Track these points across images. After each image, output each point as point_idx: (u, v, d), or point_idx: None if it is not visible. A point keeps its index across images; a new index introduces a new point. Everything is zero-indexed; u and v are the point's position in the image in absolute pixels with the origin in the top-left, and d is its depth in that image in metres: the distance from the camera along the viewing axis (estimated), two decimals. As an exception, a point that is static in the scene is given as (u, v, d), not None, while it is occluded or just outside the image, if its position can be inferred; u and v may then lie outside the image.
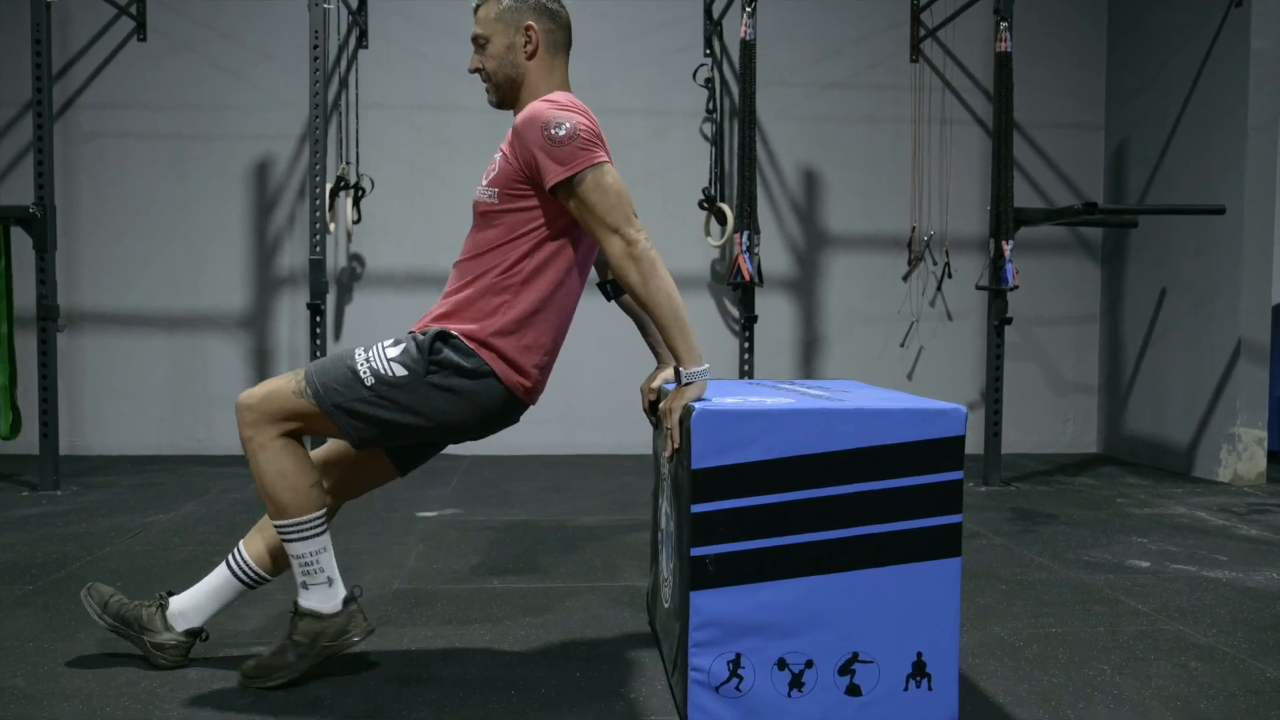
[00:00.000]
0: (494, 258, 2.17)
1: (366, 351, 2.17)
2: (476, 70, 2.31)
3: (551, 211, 2.15)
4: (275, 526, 2.20)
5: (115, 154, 5.77)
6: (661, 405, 2.08)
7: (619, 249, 2.04)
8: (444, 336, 2.16)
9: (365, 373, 2.13)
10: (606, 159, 2.09)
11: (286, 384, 2.16)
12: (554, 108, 2.12)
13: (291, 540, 2.19)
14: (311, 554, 2.20)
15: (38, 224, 4.51)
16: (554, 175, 2.06)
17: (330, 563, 2.24)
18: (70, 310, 5.67)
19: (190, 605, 2.34)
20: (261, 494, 2.18)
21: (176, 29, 5.77)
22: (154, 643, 2.32)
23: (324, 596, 2.23)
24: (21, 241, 4.67)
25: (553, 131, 2.06)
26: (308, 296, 4.84)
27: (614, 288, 2.50)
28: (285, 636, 2.26)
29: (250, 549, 2.33)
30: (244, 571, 2.32)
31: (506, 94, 2.29)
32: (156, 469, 5.29)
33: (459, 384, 2.15)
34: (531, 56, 2.25)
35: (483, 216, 2.20)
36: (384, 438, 2.20)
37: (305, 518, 2.18)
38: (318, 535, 2.20)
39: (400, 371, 2.13)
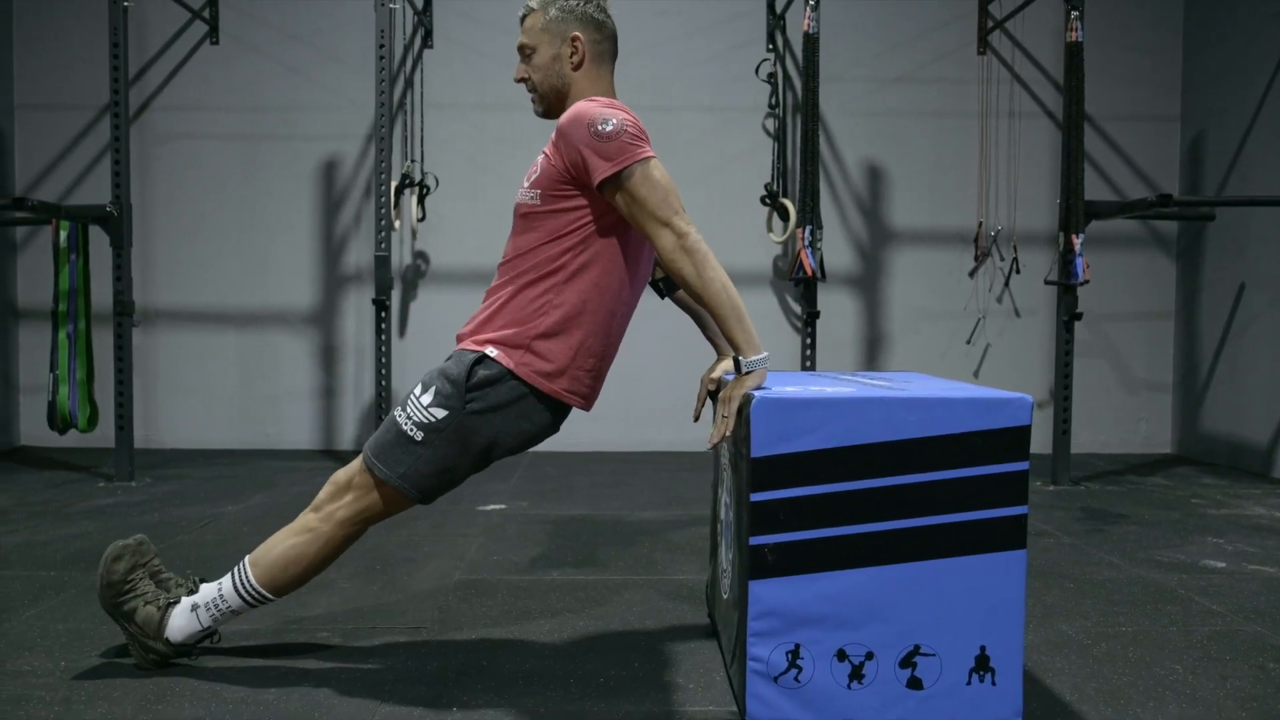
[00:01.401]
0: (535, 257, 2.16)
1: (405, 409, 2.18)
2: (522, 80, 2.31)
3: (597, 210, 2.13)
4: (250, 582, 2.24)
5: (188, 155, 5.92)
6: (721, 394, 2.07)
7: (670, 242, 2.02)
8: (479, 360, 2.15)
9: (410, 429, 2.15)
10: (653, 154, 2.08)
11: (355, 471, 2.22)
12: (598, 106, 2.11)
13: (242, 601, 2.25)
14: (233, 612, 2.27)
15: (114, 223, 4.64)
16: (602, 171, 2.04)
17: (226, 622, 2.32)
18: (145, 307, 5.83)
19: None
20: (272, 554, 2.24)
21: (247, 32, 5.90)
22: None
23: (187, 631, 2.25)
24: (99, 240, 4.81)
25: (599, 128, 2.05)
26: (373, 293, 4.91)
27: (666, 284, 2.49)
28: (132, 619, 2.25)
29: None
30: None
31: (552, 104, 2.29)
32: (226, 462, 5.41)
33: (500, 399, 2.15)
34: (578, 67, 2.25)
35: (524, 219, 2.19)
36: (448, 484, 2.22)
37: (270, 599, 2.26)
38: (256, 607, 2.29)
39: (441, 414, 2.14)
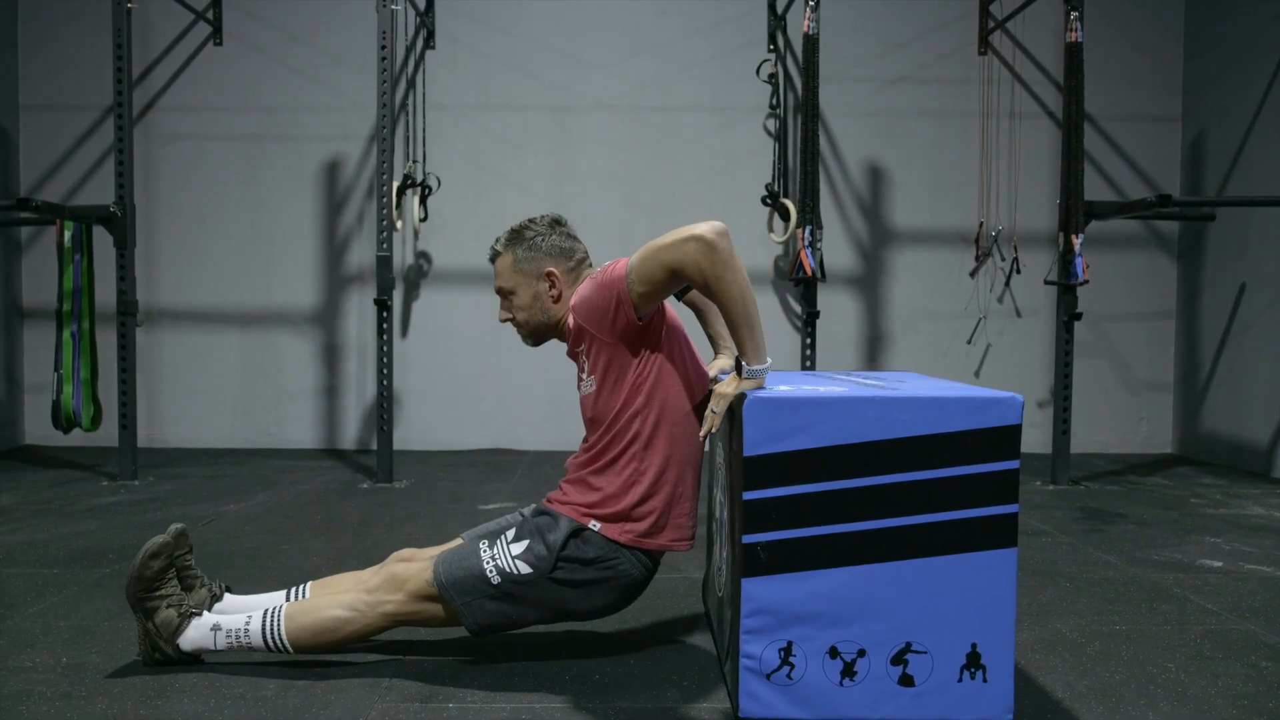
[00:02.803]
0: (611, 432, 2.20)
1: (492, 548, 2.22)
2: (508, 319, 2.37)
3: (647, 356, 2.16)
4: (280, 634, 2.24)
5: (191, 155, 5.95)
6: (716, 388, 2.08)
7: (694, 245, 1.97)
8: (578, 532, 2.19)
9: (491, 571, 2.20)
10: None
11: (418, 574, 2.24)
12: (584, 284, 2.21)
13: (264, 645, 2.25)
14: (249, 649, 2.27)
15: (118, 223, 4.67)
16: (621, 285, 2.06)
17: (237, 654, 2.31)
18: (148, 307, 5.85)
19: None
20: (309, 617, 2.25)
21: (250, 33, 5.92)
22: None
23: (199, 645, 2.26)
24: (103, 240, 4.84)
25: (594, 277, 2.15)
26: (375, 293, 4.92)
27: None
28: (151, 617, 2.26)
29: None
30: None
31: (543, 335, 2.37)
32: (229, 461, 5.44)
33: (587, 577, 2.20)
34: (558, 300, 2.31)
35: (590, 404, 2.24)
36: (505, 629, 2.27)
37: (289, 653, 2.27)
38: (272, 654, 2.28)
39: (525, 570, 2.19)
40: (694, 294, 2.50)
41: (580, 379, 2.27)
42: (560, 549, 2.18)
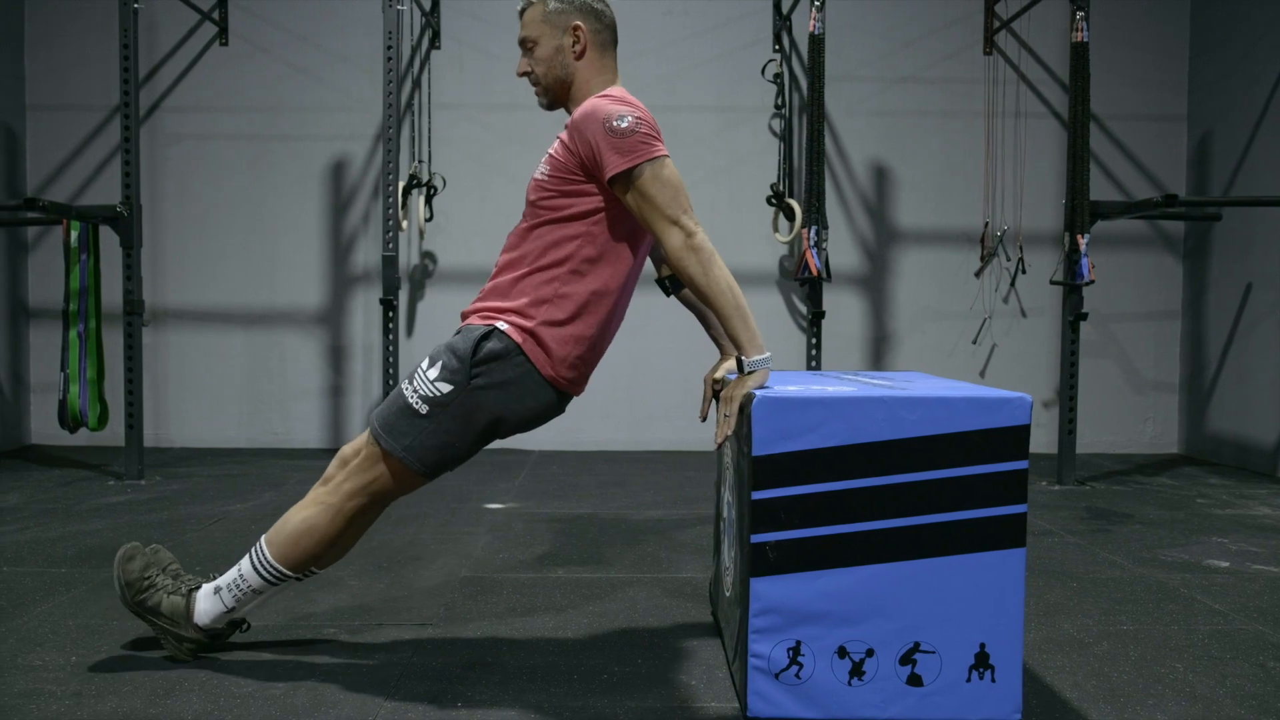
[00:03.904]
0: (545, 239, 2.18)
1: (411, 382, 2.20)
2: (525, 73, 2.32)
3: (607, 204, 2.15)
4: (267, 559, 2.25)
5: (197, 155, 5.95)
6: (723, 393, 2.09)
7: (678, 240, 2.04)
8: (487, 334, 2.16)
9: (416, 401, 2.17)
10: (666, 153, 2.10)
11: (362, 443, 2.26)
12: (612, 102, 2.13)
13: (261, 579, 2.26)
14: (254, 592, 2.27)
15: (124, 223, 4.67)
16: (614, 166, 2.06)
17: (251, 606, 2.31)
18: (154, 307, 5.87)
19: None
20: (285, 530, 2.25)
21: (256, 33, 5.93)
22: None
23: (213, 614, 2.28)
24: (109, 240, 4.85)
25: (614, 124, 2.07)
26: (381, 293, 4.94)
27: (673, 283, 2.49)
28: (157, 609, 2.28)
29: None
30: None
31: (557, 95, 2.30)
32: (235, 461, 5.45)
33: (505, 376, 2.16)
34: (580, 56, 2.26)
35: (535, 205, 2.21)
36: (452, 460, 2.23)
37: (288, 574, 2.27)
38: (276, 585, 2.29)
39: (446, 388, 2.15)
40: (688, 294, 2.48)
41: (541, 165, 2.22)
42: (472, 355, 2.14)
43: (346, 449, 2.32)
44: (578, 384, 2.26)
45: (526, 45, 2.29)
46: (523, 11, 2.30)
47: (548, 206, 2.18)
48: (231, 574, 2.30)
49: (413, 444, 2.17)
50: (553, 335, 2.17)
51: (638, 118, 2.09)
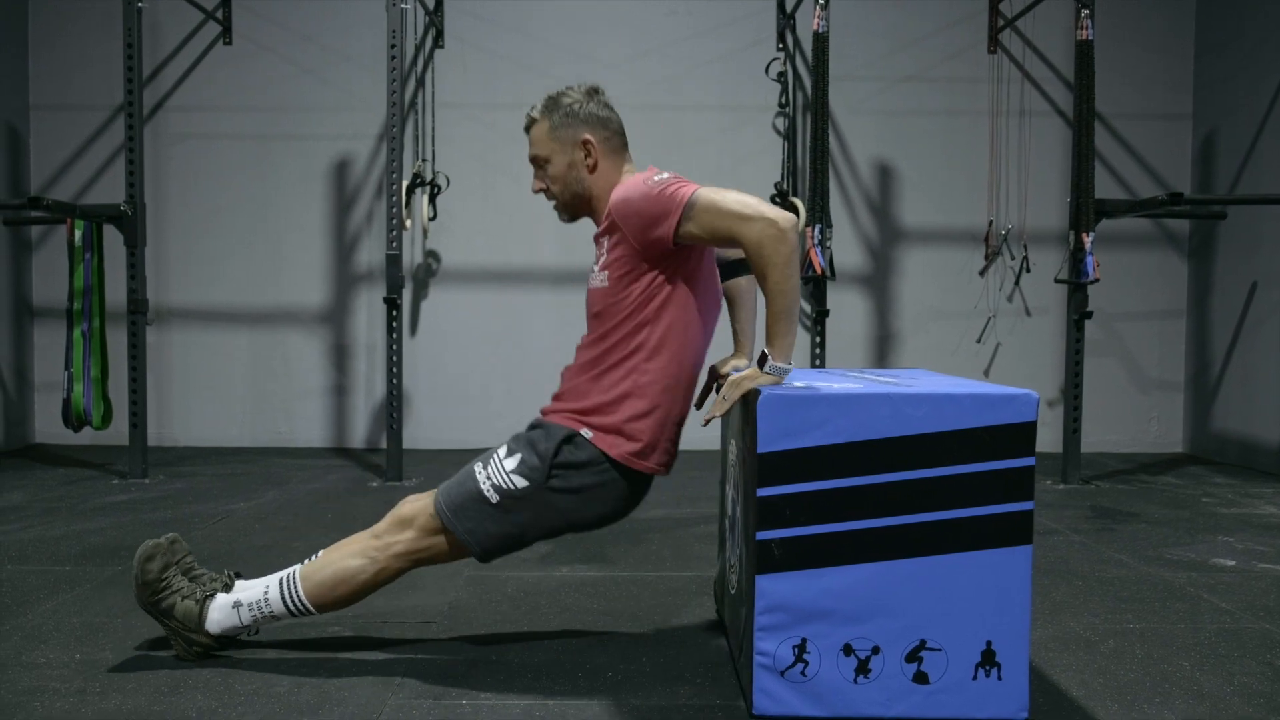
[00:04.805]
0: (614, 338, 2.17)
1: (486, 468, 2.20)
2: (540, 190, 2.31)
3: (665, 278, 2.12)
4: (299, 594, 2.25)
5: (201, 154, 5.95)
6: (732, 377, 2.06)
7: (765, 226, 1.94)
8: (569, 438, 2.17)
9: (488, 490, 2.18)
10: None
11: (422, 510, 2.24)
12: (636, 179, 2.14)
13: (286, 610, 2.26)
14: (274, 617, 2.28)
15: (128, 222, 4.68)
16: (674, 211, 2.02)
17: (265, 626, 2.33)
18: (158, 306, 5.86)
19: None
20: (324, 572, 2.25)
21: (259, 32, 5.93)
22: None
23: (225, 625, 2.27)
24: (113, 239, 4.85)
25: (651, 184, 2.07)
26: (384, 291, 4.92)
27: (728, 268, 2.43)
28: (172, 611, 2.27)
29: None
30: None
31: (577, 209, 2.30)
32: (239, 460, 5.45)
33: (583, 483, 2.17)
34: (594, 170, 2.25)
35: (600, 316, 2.20)
36: (513, 548, 2.25)
37: (312, 613, 2.28)
38: (297, 618, 2.30)
39: (521, 483, 2.17)
40: (732, 286, 2.45)
41: (593, 270, 2.22)
42: (553, 456, 2.15)
43: (405, 508, 2.28)
44: (671, 462, 2.27)
45: (538, 163, 2.28)
46: (528, 128, 2.29)
47: (613, 308, 2.16)
48: (255, 593, 2.27)
49: (476, 529, 2.19)
50: (639, 428, 2.16)
51: (663, 174, 2.09)
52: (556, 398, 2.27)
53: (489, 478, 2.18)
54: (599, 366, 2.19)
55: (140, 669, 2.25)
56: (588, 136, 2.23)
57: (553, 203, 2.32)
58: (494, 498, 2.17)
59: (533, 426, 2.26)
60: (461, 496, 2.20)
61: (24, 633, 2.50)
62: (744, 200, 1.99)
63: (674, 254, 2.11)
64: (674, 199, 2.03)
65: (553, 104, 2.28)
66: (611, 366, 2.17)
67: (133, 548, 3.32)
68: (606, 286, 2.16)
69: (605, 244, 2.18)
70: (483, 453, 2.29)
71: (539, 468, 2.15)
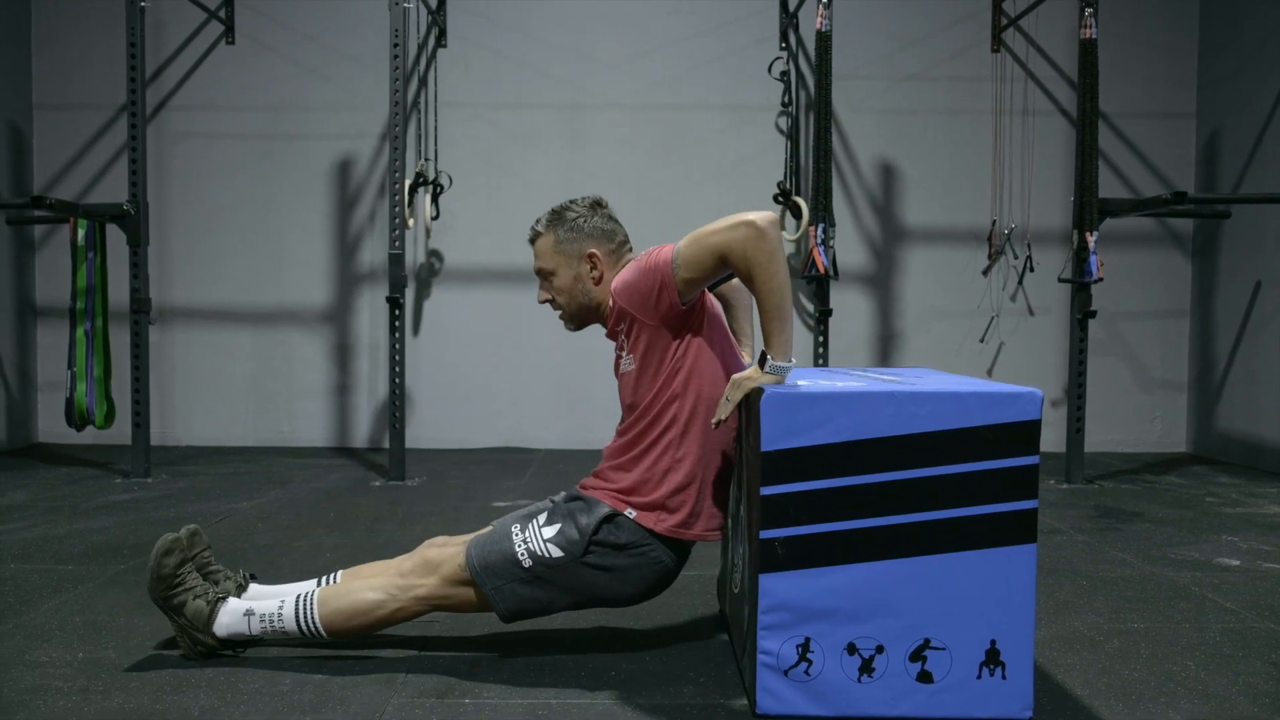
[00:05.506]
0: (649, 415, 2.20)
1: (524, 532, 2.21)
2: (546, 301, 2.34)
3: (685, 336, 2.16)
4: (313, 618, 2.25)
5: (204, 154, 5.96)
6: (734, 377, 2.06)
7: (744, 231, 1.99)
8: (611, 517, 2.19)
9: (523, 554, 2.19)
10: None
11: (451, 559, 2.24)
12: (628, 266, 2.19)
13: (298, 630, 2.25)
14: (284, 633, 2.27)
15: (131, 221, 4.68)
16: (665, 270, 2.06)
17: (272, 639, 2.31)
18: (161, 305, 5.86)
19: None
20: (342, 600, 2.25)
21: (262, 32, 5.93)
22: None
23: (233, 631, 2.26)
24: (116, 238, 4.85)
25: (638, 261, 2.13)
26: (387, 291, 4.93)
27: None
28: (181, 611, 2.26)
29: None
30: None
31: (584, 320, 2.34)
32: (241, 459, 5.45)
33: (618, 564, 2.20)
34: (599, 282, 2.29)
35: (634, 404, 2.23)
36: (536, 614, 2.27)
37: (323, 638, 2.28)
38: (306, 638, 2.29)
39: (557, 553, 2.18)
40: (725, 287, 2.48)
41: (619, 357, 2.27)
42: (593, 533, 2.17)
43: (433, 552, 2.29)
44: (721, 526, 2.28)
45: (543, 275, 2.32)
46: (533, 240, 2.32)
47: (644, 390, 2.20)
48: (269, 606, 2.27)
49: (504, 588, 2.20)
50: (680, 500, 2.19)
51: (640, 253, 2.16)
52: (597, 474, 2.30)
53: (525, 542, 2.20)
54: (638, 446, 2.23)
55: (143, 668, 2.25)
56: (593, 250, 2.27)
57: (559, 313, 2.36)
58: (527, 562, 2.19)
59: (572, 498, 2.29)
60: (495, 555, 2.21)
61: (27, 631, 2.50)
62: (718, 221, 2.03)
63: (686, 314, 2.15)
64: (662, 257, 2.08)
65: (557, 218, 2.31)
66: (649, 447, 2.21)
67: (137, 546, 3.34)
68: (636, 371, 2.21)
69: (622, 335, 2.23)
70: (520, 510, 2.32)
71: (577, 541, 2.18)
